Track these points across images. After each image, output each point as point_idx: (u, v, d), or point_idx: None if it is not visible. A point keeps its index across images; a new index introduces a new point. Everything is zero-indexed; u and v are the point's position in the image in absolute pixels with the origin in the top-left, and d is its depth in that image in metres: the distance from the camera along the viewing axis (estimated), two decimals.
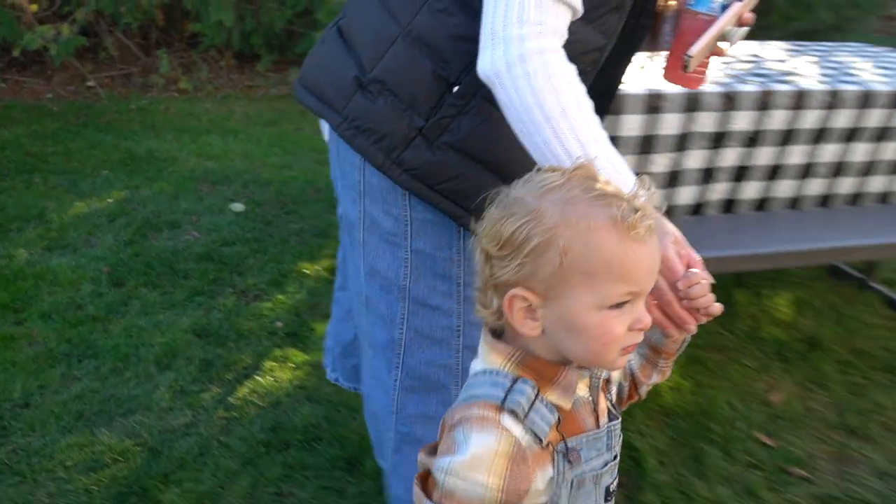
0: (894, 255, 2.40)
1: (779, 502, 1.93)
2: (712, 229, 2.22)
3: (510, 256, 0.78)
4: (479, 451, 0.76)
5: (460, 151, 1.19)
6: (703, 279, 0.94)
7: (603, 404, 0.91)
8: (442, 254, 1.27)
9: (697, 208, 2.28)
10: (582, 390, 0.87)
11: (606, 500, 0.90)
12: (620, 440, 0.93)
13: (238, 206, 3.49)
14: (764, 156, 2.22)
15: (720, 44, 1.23)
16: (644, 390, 1.04)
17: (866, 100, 2.23)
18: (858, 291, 3.01)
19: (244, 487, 1.86)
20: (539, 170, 0.84)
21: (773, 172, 2.27)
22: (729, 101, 2.07)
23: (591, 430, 0.87)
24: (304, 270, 2.95)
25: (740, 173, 2.24)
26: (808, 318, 2.77)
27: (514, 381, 0.80)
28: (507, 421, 0.78)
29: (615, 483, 0.91)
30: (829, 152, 2.29)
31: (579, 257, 0.75)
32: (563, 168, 0.83)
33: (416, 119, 1.18)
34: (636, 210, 0.77)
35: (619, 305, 0.78)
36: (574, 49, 1.08)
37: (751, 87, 2.09)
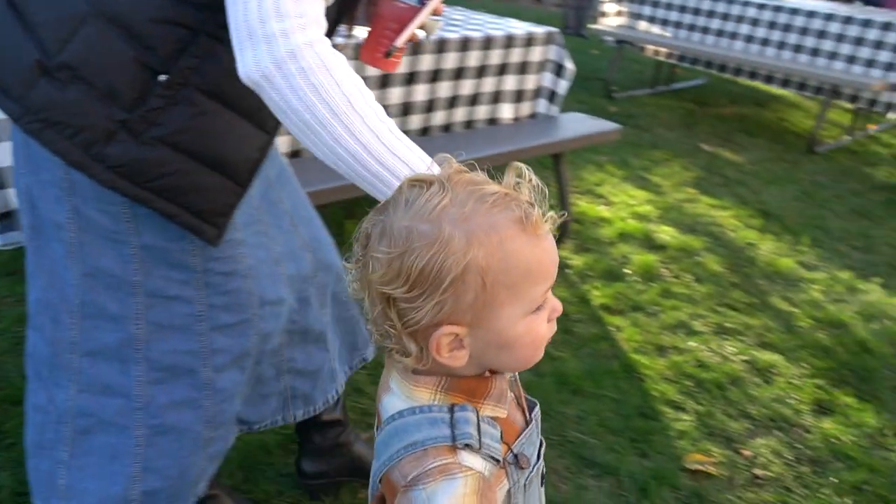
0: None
1: None
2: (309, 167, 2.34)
3: (424, 296, 0.66)
4: (447, 501, 0.65)
5: (173, 146, 1.04)
6: None
7: (522, 394, 0.82)
8: (175, 245, 1.13)
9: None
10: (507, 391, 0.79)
11: (542, 485, 0.84)
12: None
13: None
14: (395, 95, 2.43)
15: (416, 31, 1.19)
16: None
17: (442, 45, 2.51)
18: None
19: None
20: (408, 187, 0.70)
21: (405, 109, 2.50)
22: None
23: (524, 428, 0.79)
24: None
25: None
26: None
27: (452, 411, 0.70)
28: (467, 458, 0.68)
29: (543, 465, 0.84)
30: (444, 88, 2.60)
31: (500, 274, 0.66)
32: (428, 176, 0.70)
33: (117, 111, 1.00)
34: (531, 205, 0.68)
35: (540, 306, 0.71)
36: None
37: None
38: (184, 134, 1.05)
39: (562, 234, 2.98)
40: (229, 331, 1.23)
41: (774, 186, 4.03)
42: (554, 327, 0.75)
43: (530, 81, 2.90)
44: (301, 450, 1.67)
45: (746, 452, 2.00)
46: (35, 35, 1.02)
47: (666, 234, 3.27)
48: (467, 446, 0.68)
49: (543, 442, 0.83)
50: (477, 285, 0.66)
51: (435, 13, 1.17)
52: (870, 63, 4.51)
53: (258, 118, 1.12)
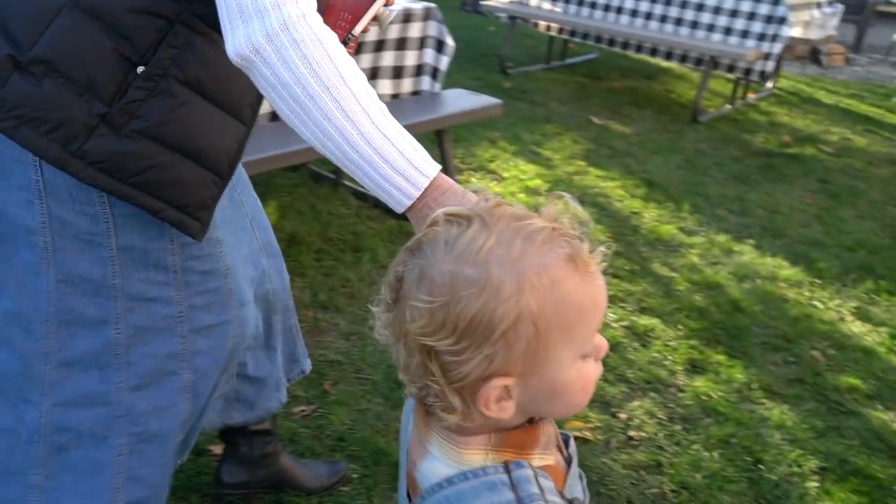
0: None
1: None
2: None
3: (472, 348, 0.60)
4: None
5: (154, 139, 1.01)
6: None
7: (557, 432, 0.76)
8: (154, 245, 1.10)
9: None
10: None
11: None
12: None
13: None
14: None
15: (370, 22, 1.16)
16: None
17: None
18: (333, 190, 3.23)
19: None
20: (444, 223, 0.63)
21: None
22: None
23: (568, 469, 0.72)
24: None
25: None
26: (290, 219, 2.90)
27: (508, 472, 0.64)
28: None
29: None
30: None
31: (554, 318, 0.61)
32: (466, 211, 0.63)
33: (97, 104, 0.97)
34: (580, 239, 0.63)
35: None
36: None
37: None
38: (164, 126, 1.02)
39: None
40: (209, 332, 1.20)
41: (659, 156, 4.14)
42: (601, 368, 0.69)
43: (410, 58, 2.85)
44: (224, 458, 1.62)
45: (622, 415, 2.04)
46: (5, 29, 0.98)
47: None
48: None
49: (583, 475, 0.78)
50: (529, 333, 0.61)
51: (387, 3, 1.18)
52: (744, 34, 4.68)
53: (235, 109, 1.11)
